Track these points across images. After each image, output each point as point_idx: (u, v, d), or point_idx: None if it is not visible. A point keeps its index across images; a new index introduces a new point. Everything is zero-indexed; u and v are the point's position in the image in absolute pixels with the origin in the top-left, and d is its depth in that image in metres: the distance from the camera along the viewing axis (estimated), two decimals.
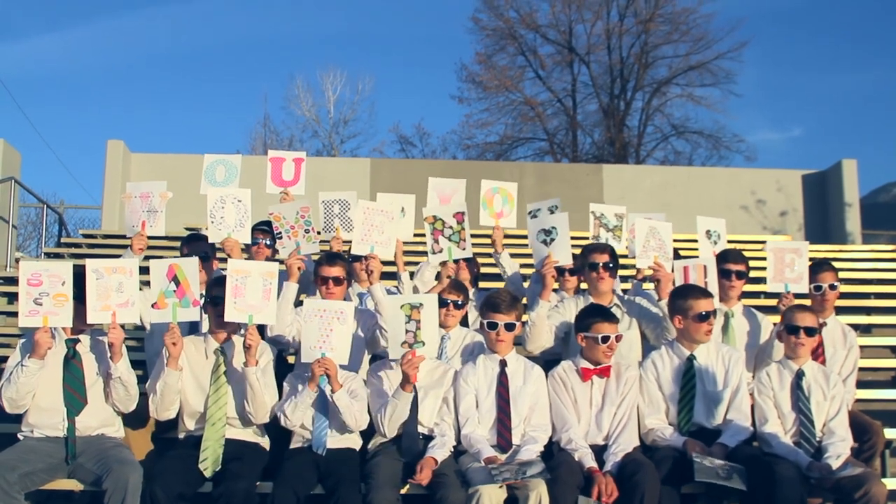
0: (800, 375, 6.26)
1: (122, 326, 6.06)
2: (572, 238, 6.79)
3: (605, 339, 6.23)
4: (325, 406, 6.14)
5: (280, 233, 6.91)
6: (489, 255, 7.78)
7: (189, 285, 6.11)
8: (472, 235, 7.19)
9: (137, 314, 6.17)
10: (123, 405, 6.17)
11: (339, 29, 62.67)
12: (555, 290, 7.21)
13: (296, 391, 6.15)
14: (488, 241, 7.77)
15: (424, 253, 7.29)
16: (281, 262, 6.80)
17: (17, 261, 14.30)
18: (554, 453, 6.21)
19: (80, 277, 5.98)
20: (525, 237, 7.40)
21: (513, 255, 7.88)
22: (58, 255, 14.43)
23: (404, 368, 6.03)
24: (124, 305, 6.01)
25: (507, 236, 7.69)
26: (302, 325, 6.18)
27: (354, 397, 6.18)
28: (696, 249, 7.56)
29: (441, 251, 7.12)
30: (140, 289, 6.19)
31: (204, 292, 6.39)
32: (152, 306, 6.14)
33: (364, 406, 6.24)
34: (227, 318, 6.08)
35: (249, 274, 6.14)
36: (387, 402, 6.19)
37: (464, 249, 7.12)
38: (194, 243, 7.30)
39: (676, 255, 7.36)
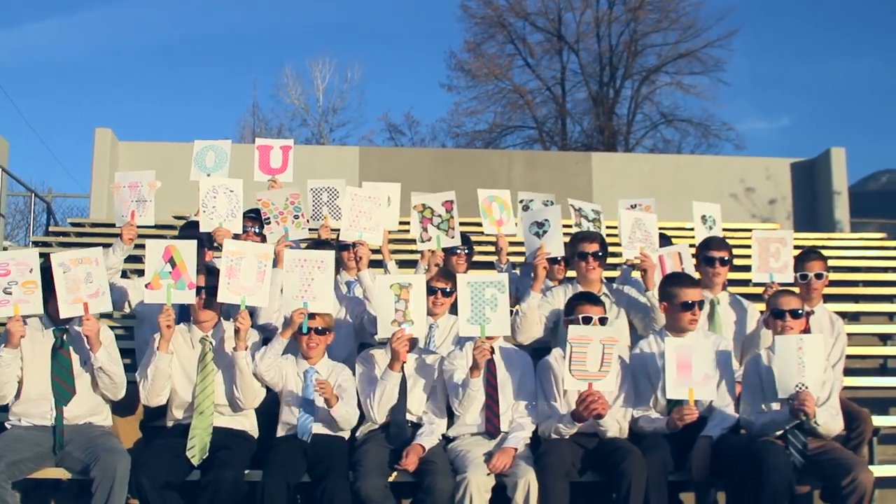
0: None
1: (108, 316, 6.04)
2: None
3: (588, 319, 6.23)
4: (310, 394, 6.15)
5: (268, 218, 6.91)
6: (486, 244, 7.75)
7: (185, 267, 6.10)
8: (462, 223, 7.19)
9: (109, 303, 6.11)
10: (111, 393, 6.15)
11: (329, 17, 62.69)
12: None
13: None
14: (480, 229, 7.77)
15: (411, 241, 7.29)
16: None
17: (4, 249, 14.25)
18: (541, 441, 6.22)
19: (48, 272, 5.96)
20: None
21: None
22: (46, 244, 14.36)
23: (394, 346, 6.05)
24: (95, 296, 5.97)
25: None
26: (283, 275, 6.22)
27: (343, 392, 6.20)
28: (686, 237, 7.57)
29: (429, 239, 7.14)
30: (128, 276, 6.16)
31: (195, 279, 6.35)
32: (146, 286, 6.12)
33: (353, 401, 6.25)
34: (220, 299, 6.11)
35: (244, 255, 6.16)
36: (376, 386, 6.20)
37: (452, 238, 7.14)
38: (189, 230, 7.26)
39: (668, 243, 7.39)
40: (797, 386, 5.82)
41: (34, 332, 6.06)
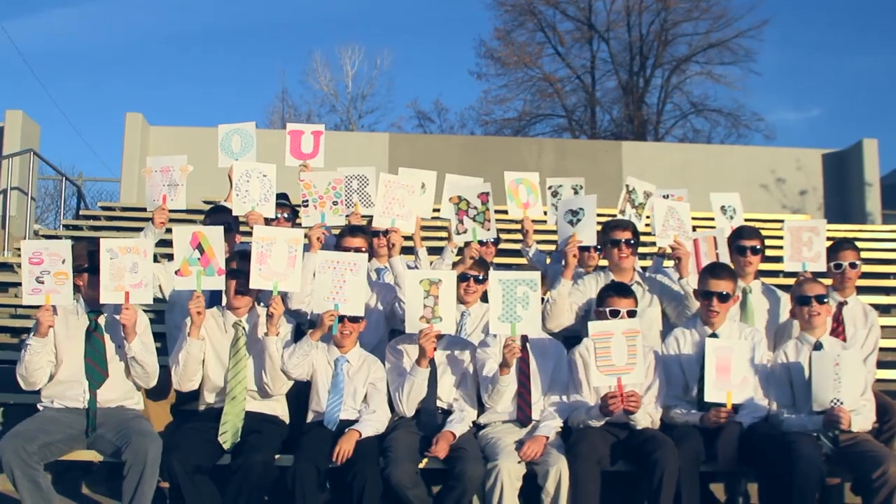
0: (818, 347, 6.22)
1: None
2: None
3: (615, 312, 6.21)
4: (339, 382, 6.18)
5: (307, 201, 6.91)
6: (512, 232, 7.71)
7: (214, 253, 6.12)
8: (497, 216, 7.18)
9: (151, 295, 6.15)
10: (143, 382, 6.18)
11: (358, 4, 62.24)
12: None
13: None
14: (510, 218, 7.74)
15: (443, 228, 7.25)
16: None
17: (35, 233, 14.33)
18: (571, 431, 6.20)
19: (95, 254, 5.99)
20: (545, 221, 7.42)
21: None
22: (76, 228, 14.46)
23: (421, 342, 6.05)
24: (137, 286, 5.98)
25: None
26: (316, 276, 6.21)
27: (375, 391, 6.26)
28: (714, 227, 7.53)
29: (465, 231, 7.09)
30: (158, 261, 6.17)
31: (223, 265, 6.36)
32: (176, 273, 6.15)
33: (385, 402, 6.29)
34: (252, 286, 6.12)
35: (275, 240, 6.17)
36: (404, 380, 6.21)
37: (488, 230, 7.09)
38: (217, 214, 7.28)
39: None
40: (832, 401, 5.82)
41: (69, 314, 6.10)
